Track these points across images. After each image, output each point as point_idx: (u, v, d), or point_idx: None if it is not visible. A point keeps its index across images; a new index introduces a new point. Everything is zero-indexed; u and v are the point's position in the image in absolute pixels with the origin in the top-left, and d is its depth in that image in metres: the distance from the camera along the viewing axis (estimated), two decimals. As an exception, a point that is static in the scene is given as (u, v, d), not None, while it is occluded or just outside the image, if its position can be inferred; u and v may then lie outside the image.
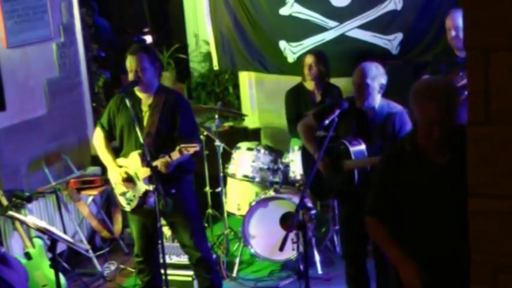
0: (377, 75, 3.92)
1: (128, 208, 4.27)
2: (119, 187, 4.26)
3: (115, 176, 4.24)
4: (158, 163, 4.00)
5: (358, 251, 4.17)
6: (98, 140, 4.36)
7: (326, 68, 5.45)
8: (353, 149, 3.88)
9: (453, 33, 4.77)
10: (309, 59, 5.43)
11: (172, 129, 4.17)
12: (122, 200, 4.28)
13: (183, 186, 4.28)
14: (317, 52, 5.52)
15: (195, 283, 4.71)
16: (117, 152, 4.34)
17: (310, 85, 5.50)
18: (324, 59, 5.44)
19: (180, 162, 4.14)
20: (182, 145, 3.97)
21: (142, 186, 4.14)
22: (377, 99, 3.95)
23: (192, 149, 3.97)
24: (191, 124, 4.27)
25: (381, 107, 3.96)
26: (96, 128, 4.47)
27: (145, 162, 4.00)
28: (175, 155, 3.98)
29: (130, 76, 4.15)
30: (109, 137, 4.35)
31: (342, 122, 3.86)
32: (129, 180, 4.17)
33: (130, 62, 4.14)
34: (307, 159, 4.30)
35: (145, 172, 4.07)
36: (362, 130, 3.96)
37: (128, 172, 4.18)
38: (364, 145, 3.89)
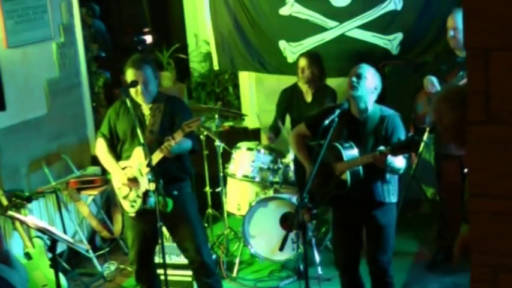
0: (373, 79, 3.89)
1: (131, 211, 4.23)
2: (122, 190, 4.25)
3: (119, 178, 4.24)
4: (162, 147, 4.00)
5: (350, 258, 4.13)
6: (100, 149, 4.33)
7: (320, 70, 5.40)
8: (345, 151, 3.84)
9: (451, 33, 4.78)
10: (302, 62, 5.40)
11: (173, 128, 4.18)
12: (126, 204, 4.26)
13: (184, 189, 4.29)
14: (310, 55, 5.48)
15: (195, 283, 4.70)
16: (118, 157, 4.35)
17: (303, 86, 5.49)
18: (317, 61, 5.40)
19: (181, 162, 4.20)
20: (184, 122, 3.98)
21: (145, 183, 4.14)
22: (371, 103, 3.92)
23: (194, 123, 3.99)
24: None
25: (374, 111, 3.92)
26: (97, 138, 4.43)
27: (146, 162, 4.00)
28: (179, 135, 3.98)
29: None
30: (111, 144, 4.33)
31: (334, 128, 3.76)
32: (133, 180, 4.17)
33: (136, 76, 4.13)
34: (299, 169, 4.25)
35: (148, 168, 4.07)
36: (354, 135, 3.92)
37: (131, 172, 4.18)
38: (357, 149, 3.85)
